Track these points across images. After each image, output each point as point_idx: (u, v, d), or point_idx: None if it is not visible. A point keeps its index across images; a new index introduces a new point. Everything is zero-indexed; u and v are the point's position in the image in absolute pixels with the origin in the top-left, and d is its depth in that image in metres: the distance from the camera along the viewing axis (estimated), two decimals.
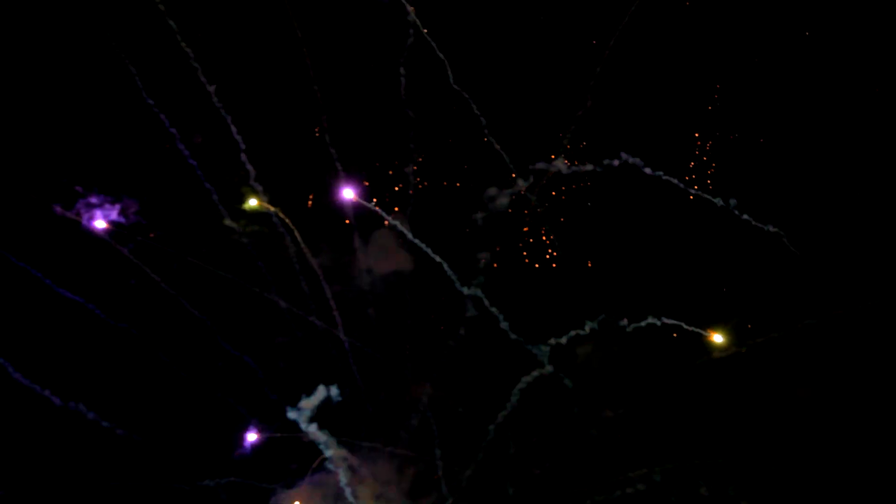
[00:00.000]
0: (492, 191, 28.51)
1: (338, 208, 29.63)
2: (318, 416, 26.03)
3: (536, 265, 29.17)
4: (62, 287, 29.33)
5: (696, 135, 27.89)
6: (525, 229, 29.00)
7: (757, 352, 27.88)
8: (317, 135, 29.83)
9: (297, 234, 29.40)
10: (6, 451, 28.54)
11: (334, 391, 24.58)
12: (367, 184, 29.43)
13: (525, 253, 29.28)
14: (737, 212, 26.00)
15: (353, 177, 29.63)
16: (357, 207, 29.60)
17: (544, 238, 29.76)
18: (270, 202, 28.38)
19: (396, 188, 28.98)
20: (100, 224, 27.71)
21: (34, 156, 29.40)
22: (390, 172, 29.92)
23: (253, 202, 29.26)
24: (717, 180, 27.55)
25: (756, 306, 28.43)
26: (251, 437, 28.51)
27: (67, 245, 29.48)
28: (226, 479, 28.53)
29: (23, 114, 29.26)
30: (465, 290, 28.28)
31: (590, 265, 28.94)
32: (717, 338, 26.64)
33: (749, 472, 29.00)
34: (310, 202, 30.17)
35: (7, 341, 28.12)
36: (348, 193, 28.45)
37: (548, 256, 29.53)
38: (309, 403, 25.32)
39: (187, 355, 29.77)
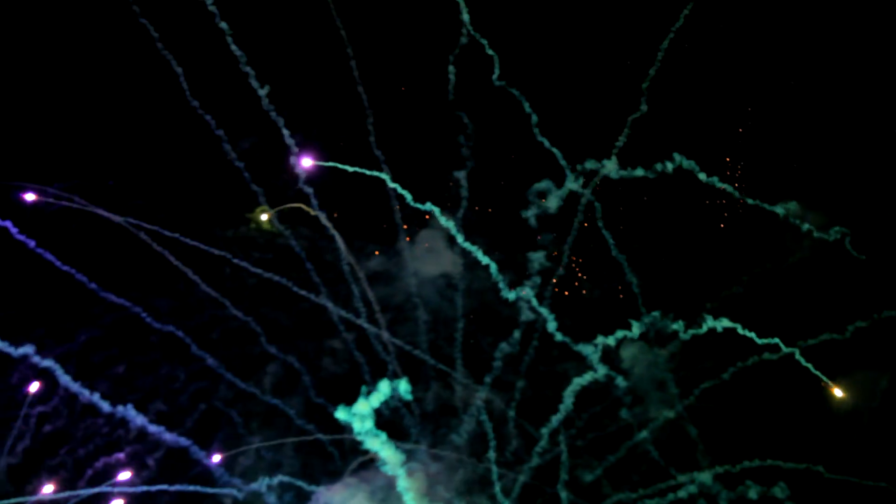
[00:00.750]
0: (543, 191, 28.24)
1: (387, 210, 29.48)
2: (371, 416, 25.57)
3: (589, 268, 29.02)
4: (108, 291, 29.19)
5: (753, 140, 27.72)
6: (577, 229, 28.75)
7: (809, 353, 27.70)
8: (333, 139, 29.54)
9: (339, 236, 29.22)
10: (59, 455, 28.53)
11: (404, 386, 23.92)
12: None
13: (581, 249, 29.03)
14: (798, 221, 25.78)
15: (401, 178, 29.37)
16: (405, 209, 29.36)
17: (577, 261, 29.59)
18: (320, 206, 28.20)
19: (436, 204, 28.50)
20: (29, 197, 27.10)
21: (80, 158, 29.21)
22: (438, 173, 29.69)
23: (264, 216, 29.14)
24: (777, 184, 27.31)
25: (811, 308, 28.29)
26: (215, 458, 28.32)
27: (113, 249, 29.31)
28: (276, 479, 28.41)
29: (67, 115, 29.05)
30: (512, 296, 27.92)
31: (642, 268, 28.74)
32: (838, 392, 26.30)
33: (797, 474, 28.91)
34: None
35: (56, 346, 28.03)
36: (307, 162, 27.95)
37: (580, 282, 29.32)
38: (366, 405, 24.85)
39: (234, 358, 29.66)
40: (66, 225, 29.11)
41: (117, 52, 28.46)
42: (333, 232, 29.38)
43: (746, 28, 27.54)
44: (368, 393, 24.92)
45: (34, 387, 27.75)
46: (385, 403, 26.72)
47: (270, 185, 28.90)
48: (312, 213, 29.35)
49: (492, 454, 27.45)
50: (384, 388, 24.43)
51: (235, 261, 29.22)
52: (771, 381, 28.99)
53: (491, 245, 28.22)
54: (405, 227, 29.76)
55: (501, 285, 27.64)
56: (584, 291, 29.79)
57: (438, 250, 29.03)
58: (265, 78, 28.24)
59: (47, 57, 28.67)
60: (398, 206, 29.70)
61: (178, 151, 29.40)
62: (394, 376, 28.49)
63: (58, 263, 28.69)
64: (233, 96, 28.71)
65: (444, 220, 26.67)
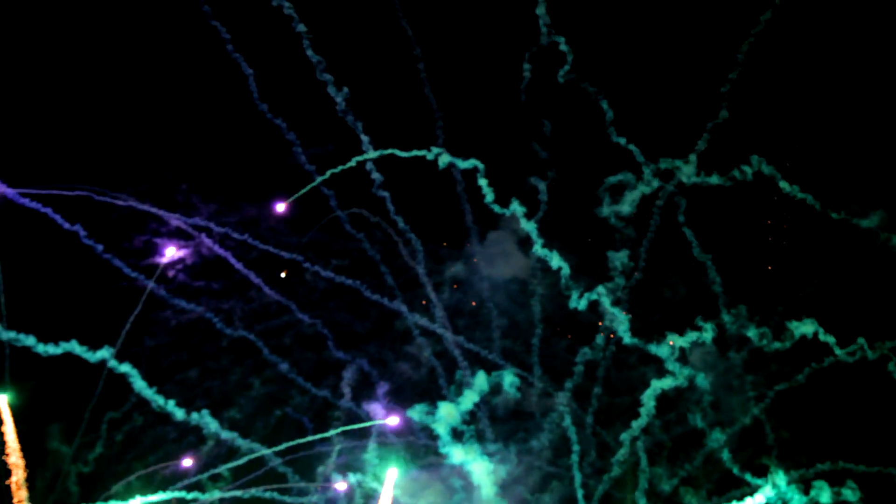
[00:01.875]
0: (619, 186, 28.06)
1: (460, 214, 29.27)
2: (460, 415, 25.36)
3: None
4: (177, 297, 28.99)
5: (837, 146, 27.42)
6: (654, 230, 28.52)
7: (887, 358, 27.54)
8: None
9: (415, 240, 29.02)
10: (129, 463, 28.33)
11: (509, 378, 23.30)
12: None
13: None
14: (886, 234, 25.65)
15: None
16: (476, 211, 29.16)
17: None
18: (397, 210, 27.99)
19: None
20: None
21: (150, 162, 28.93)
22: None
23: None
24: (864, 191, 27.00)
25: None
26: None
27: (184, 256, 29.03)
28: (350, 480, 28.17)
29: (136, 118, 28.77)
30: (583, 304, 27.62)
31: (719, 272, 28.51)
32: None
33: (869, 477, 28.80)
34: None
35: (129, 353, 27.78)
36: (280, 207, 27.78)
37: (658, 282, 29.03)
38: (449, 408, 24.59)
39: (306, 363, 29.44)
40: (134, 230, 28.87)
41: (187, 55, 28.19)
42: (397, 238, 29.15)
43: (830, 32, 27.22)
44: (459, 389, 24.62)
45: (170, 251, 27.37)
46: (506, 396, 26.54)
47: (342, 188, 28.70)
48: (373, 219, 29.08)
49: (574, 458, 27.17)
50: (481, 382, 23.96)
51: (306, 265, 29.03)
52: (844, 381, 28.83)
53: (566, 246, 28.02)
54: (475, 229, 29.51)
55: (572, 294, 27.39)
56: (660, 292, 29.39)
57: (512, 253, 28.79)
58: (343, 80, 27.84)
59: (116, 59, 28.34)
60: (469, 209, 29.41)
61: (249, 155, 29.15)
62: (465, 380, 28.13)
63: (126, 270, 28.46)
64: (300, 97, 28.42)
65: (525, 223, 26.42)
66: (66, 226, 28.43)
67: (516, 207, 25.88)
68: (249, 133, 28.77)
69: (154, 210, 28.92)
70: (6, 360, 27.10)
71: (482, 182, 26.02)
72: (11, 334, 26.14)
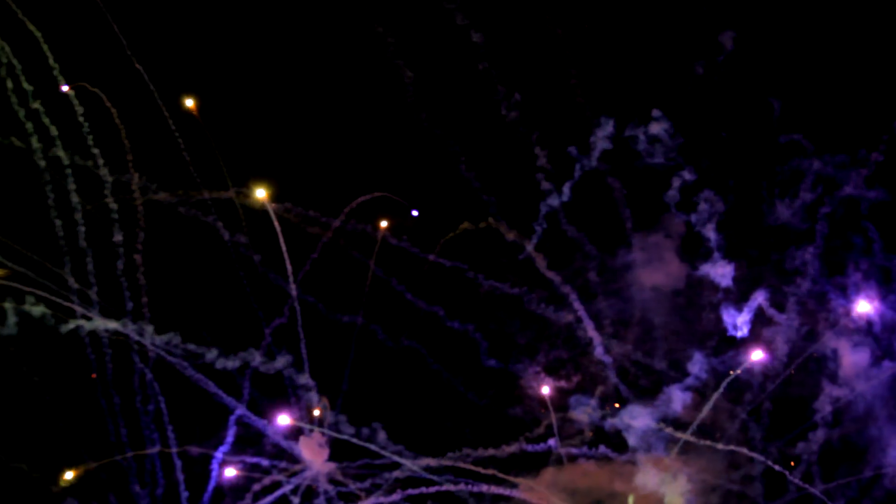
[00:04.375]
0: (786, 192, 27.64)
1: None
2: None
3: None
4: (338, 313, 28.90)
5: None
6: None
7: None
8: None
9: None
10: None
11: None
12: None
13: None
14: None
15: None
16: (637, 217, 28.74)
17: None
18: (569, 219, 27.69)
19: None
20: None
21: (296, 168, 28.69)
22: None
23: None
24: None
25: None
26: None
27: (331, 266, 28.84)
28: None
29: (288, 123, 28.54)
30: (739, 323, 27.25)
31: None
32: None
33: None
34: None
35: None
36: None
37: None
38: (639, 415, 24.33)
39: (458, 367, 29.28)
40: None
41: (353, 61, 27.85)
42: (533, 251, 28.72)
43: None
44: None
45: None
46: None
47: (506, 196, 28.37)
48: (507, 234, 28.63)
49: (758, 470, 26.67)
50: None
51: (469, 274, 28.75)
52: None
53: (736, 251, 27.58)
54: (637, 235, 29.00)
55: (730, 311, 27.01)
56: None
57: (676, 260, 28.26)
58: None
59: (273, 66, 28.03)
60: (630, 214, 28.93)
61: (406, 162, 28.81)
62: (643, 392, 27.75)
63: (288, 286, 28.24)
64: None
65: (705, 231, 26.07)
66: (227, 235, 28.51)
67: (702, 207, 25.56)
68: (408, 142, 28.49)
69: (310, 214, 28.83)
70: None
71: (681, 177, 25.59)
72: (191, 346, 26.26)
